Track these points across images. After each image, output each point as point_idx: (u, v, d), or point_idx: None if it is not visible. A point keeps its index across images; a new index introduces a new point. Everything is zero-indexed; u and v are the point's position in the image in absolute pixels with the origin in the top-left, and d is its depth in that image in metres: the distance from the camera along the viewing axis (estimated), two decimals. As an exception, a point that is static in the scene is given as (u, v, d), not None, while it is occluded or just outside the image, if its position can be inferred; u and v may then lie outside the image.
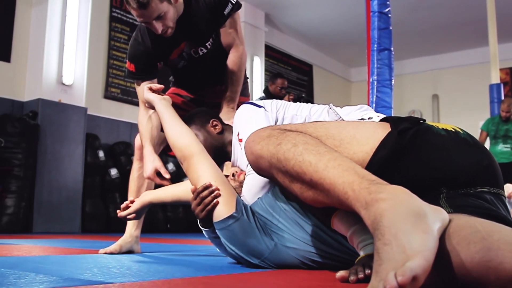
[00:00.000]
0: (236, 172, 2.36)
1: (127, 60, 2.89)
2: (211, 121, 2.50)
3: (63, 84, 6.49)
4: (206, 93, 3.07)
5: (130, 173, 3.00)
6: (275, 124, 2.27)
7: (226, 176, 2.44)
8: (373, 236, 1.05)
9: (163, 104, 2.28)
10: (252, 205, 1.97)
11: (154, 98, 2.33)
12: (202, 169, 1.92)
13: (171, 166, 7.49)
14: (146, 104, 2.47)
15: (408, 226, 1.01)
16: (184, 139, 2.05)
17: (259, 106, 2.31)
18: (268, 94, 7.10)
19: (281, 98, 6.57)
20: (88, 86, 6.87)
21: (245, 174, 2.24)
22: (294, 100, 6.51)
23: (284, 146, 1.34)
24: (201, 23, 2.78)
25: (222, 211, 1.82)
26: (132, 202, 2.41)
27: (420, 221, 1.03)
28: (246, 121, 2.23)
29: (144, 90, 2.43)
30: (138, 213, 2.41)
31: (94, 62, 7.26)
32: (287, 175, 1.35)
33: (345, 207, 1.21)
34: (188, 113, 2.61)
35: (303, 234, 1.81)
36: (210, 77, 3.00)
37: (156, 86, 2.39)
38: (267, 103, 2.37)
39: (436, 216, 1.08)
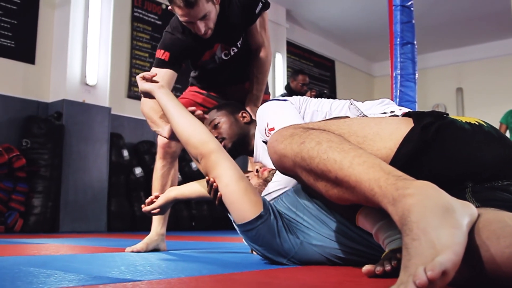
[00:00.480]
0: (260, 168, 2.35)
1: (160, 49, 2.78)
2: (241, 112, 2.55)
3: (87, 84, 6.54)
4: (227, 91, 3.07)
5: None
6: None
7: (250, 171, 2.44)
8: (401, 231, 1.04)
9: (164, 93, 2.14)
10: (277, 204, 1.97)
11: (152, 87, 2.18)
12: (222, 167, 1.85)
13: (194, 164, 7.51)
14: (143, 96, 2.31)
15: (436, 221, 1.00)
16: (200, 135, 1.94)
17: (284, 100, 2.33)
18: (290, 91, 7.09)
19: (302, 94, 6.55)
20: (111, 86, 6.92)
21: (269, 171, 2.24)
22: (316, 97, 6.48)
23: (308, 145, 1.34)
24: (236, 24, 2.77)
25: (249, 211, 1.78)
26: (156, 197, 2.41)
27: (448, 216, 1.02)
28: (275, 112, 2.25)
29: (137, 80, 2.28)
30: (162, 209, 2.40)
31: (117, 62, 7.31)
32: (312, 173, 1.34)
33: (371, 203, 1.20)
34: (221, 102, 2.60)
35: (329, 231, 1.81)
36: (235, 76, 3.00)
37: (149, 74, 2.26)
38: (290, 98, 2.38)
39: (465, 211, 1.07)
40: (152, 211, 2.40)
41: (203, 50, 2.82)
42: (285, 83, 9.03)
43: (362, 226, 1.52)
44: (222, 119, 2.53)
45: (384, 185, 1.14)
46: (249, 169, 2.37)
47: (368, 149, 1.37)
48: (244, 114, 2.57)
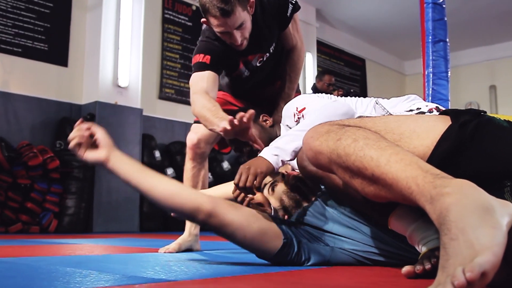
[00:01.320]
0: (286, 172, 2.34)
1: (198, 54, 2.66)
2: (261, 116, 2.55)
3: (119, 86, 6.61)
4: (257, 93, 3.05)
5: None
6: None
7: (279, 173, 2.39)
8: (439, 231, 1.03)
9: (118, 158, 1.73)
10: (299, 215, 1.97)
11: (100, 155, 1.72)
12: (229, 222, 1.74)
13: (226, 164, 7.53)
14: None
15: (475, 220, 0.98)
16: (189, 201, 1.72)
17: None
18: (316, 91, 7.07)
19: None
20: (143, 87, 6.98)
21: (294, 178, 2.22)
22: (343, 95, 6.46)
23: (344, 141, 1.33)
24: (269, 32, 2.74)
25: (272, 247, 1.78)
26: None
27: (487, 215, 1.00)
28: (302, 98, 2.30)
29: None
30: None
31: (148, 64, 7.37)
32: (348, 170, 1.33)
33: (408, 202, 1.18)
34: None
35: (361, 236, 1.80)
36: (266, 79, 2.97)
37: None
38: (314, 95, 2.41)
39: (505, 210, 1.04)
40: None
41: (238, 60, 2.76)
42: (315, 83, 9.02)
43: (394, 229, 1.51)
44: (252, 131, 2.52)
45: (422, 183, 1.12)
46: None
47: (405, 147, 1.36)
48: (265, 118, 2.58)
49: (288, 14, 2.73)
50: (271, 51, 2.82)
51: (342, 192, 1.67)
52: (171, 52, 7.88)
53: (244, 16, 2.45)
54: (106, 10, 6.63)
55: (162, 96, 7.69)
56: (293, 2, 2.75)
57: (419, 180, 1.13)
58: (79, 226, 5.91)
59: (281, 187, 2.25)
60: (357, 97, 2.41)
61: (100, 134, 1.73)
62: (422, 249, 1.41)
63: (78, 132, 1.73)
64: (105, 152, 1.71)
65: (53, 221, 5.72)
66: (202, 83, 2.58)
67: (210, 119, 2.34)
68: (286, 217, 2.27)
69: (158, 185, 1.70)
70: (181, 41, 8.03)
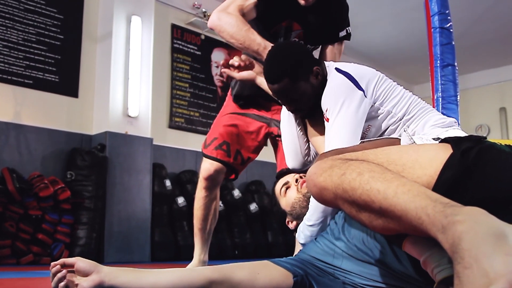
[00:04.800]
0: (300, 178, 2.27)
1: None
2: (314, 69, 2.34)
3: (129, 116, 6.65)
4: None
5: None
6: (367, 111, 2.19)
7: (286, 183, 2.34)
8: (453, 259, 1.01)
9: (112, 277, 1.65)
10: (307, 249, 1.95)
11: None
12: (240, 277, 1.74)
13: (236, 192, 7.52)
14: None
15: (489, 248, 0.97)
16: (196, 273, 1.72)
17: (360, 88, 2.19)
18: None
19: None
20: (153, 117, 7.01)
21: None
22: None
23: (349, 176, 1.32)
24: (323, 27, 2.70)
25: (285, 285, 1.77)
26: None
27: (501, 242, 0.99)
28: (343, 104, 2.12)
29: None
30: None
31: (158, 93, 7.42)
32: (354, 205, 1.32)
33: (419, 232, 1.17)
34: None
35: (371, 271, 1.78)
36: None
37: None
38: (369, 85, 2.24)
39: None
40: None
41: (286, 15, 2.66)
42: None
43: (409, 252, 1.49)
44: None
45: (432, 213, 1.11)
46: (285, 180, 2.30)
47: (408, 177, 1.35)
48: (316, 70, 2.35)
49: (340, 35, 2.76)
50: (308, 44, 2.75)
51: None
52: (180, 81, 7.93)
53: None
54: (116, 41, 6.70)
55: (172, 125, 7.72)
56: (349, 30, 2.74)
57: (429, 210, 1.12)
58: (91, 256, 5.88)
59: (293, 193, 2.22)
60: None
61: (80, 262, 1.71)
62: (437, 276, 1.39)
63: (55, 273, 1.71)
64: (97, 276, 1.64)
65: (64, 252, 5.71)
66: (241, 2, 2.52)
67: (252, 37, 2.36)
68: (294, 223, 2.25)
69: (161, 277, 1.68)
70: (190, 70, 8.09)
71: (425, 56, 4.51)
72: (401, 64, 11.63)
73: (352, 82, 2.19)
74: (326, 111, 2.16)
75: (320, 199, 1.44)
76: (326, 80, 2.27)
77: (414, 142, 1.95)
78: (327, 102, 2.18)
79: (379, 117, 2.24)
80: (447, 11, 4.34)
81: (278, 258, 1.87)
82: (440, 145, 1.46)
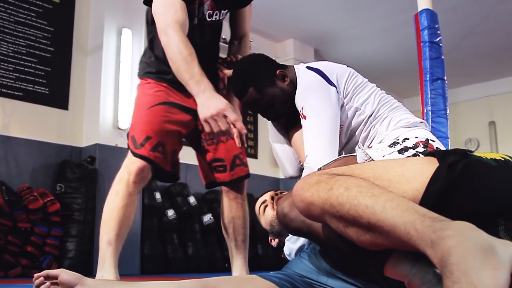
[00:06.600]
0: (276, 195, 2.28)
1: None
2: (278, 72, 2.34)
3: (119, 128, 6.64)
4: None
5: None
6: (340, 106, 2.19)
7: (264, 202, 2.34)
8: (442, 274, 1.02)
9: None
10: (291, 265, 1.94)
11: None
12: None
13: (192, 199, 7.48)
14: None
15: (477, 262, 0.98)
16: (185, 285, 1.77)
17: (331, 83, 2.19)
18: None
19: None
20: (143, 129, 6.97)
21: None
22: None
23: (336, 191, 1.31)
24: None
25: None
26: None
27: (489, 256, 1.00)
28: (318, 99, 2.12)
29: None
30: None
31: (148, 105, 7.38)
32: (342, 220, 1.31)
33: (407, 247, 1.17)
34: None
35: None
36: (207, 50, 2.76)
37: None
38: (341, 80, 2.25)
39: (506, 251, 1.03)
40: None
41: None
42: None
43: (391, 276, 1.49)
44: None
45: (421, 228, 1.11)
46: (262, 198, 2.30)
47: (395, 192, 1.35)
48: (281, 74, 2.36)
49: None
50: (221, 15, 2.70)
51: (329, 245, 1.64)
52: (171, 94, 7.91)
53: None
54: (106, 53, 6.69)
55: (163, 137, 7.69)
56: None
57: (417, 225, 1.13)
58: (80, 269, 5.84)
59: (270, 211, 2.22)
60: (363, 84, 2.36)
61: (63, 274, 1.71)
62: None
63: (39, 286, 1.76)
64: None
65: (54, 264, 5.66)
66: (175, 12, 2.38)
67: (183, 75, 2.28)
68: (276, 241, 2.25)
69: None
70: (181, 82, 8.07)
71: (415, 70, 4.53)
72: (391, 78, 11.67)
73: (323, 78, 2.19)
74: (302, 108, 2.15)
75: (307, 215, 1.43)
76: (297, 81, 2.28)
77: (371, 157, 1.93)
78: (301, 99, 2.18)
79: (348, 114, 2.22)
80: (436, 25, 4.38)
81: (267, 271, 1.86)
82: (426, 159, 1.46)
